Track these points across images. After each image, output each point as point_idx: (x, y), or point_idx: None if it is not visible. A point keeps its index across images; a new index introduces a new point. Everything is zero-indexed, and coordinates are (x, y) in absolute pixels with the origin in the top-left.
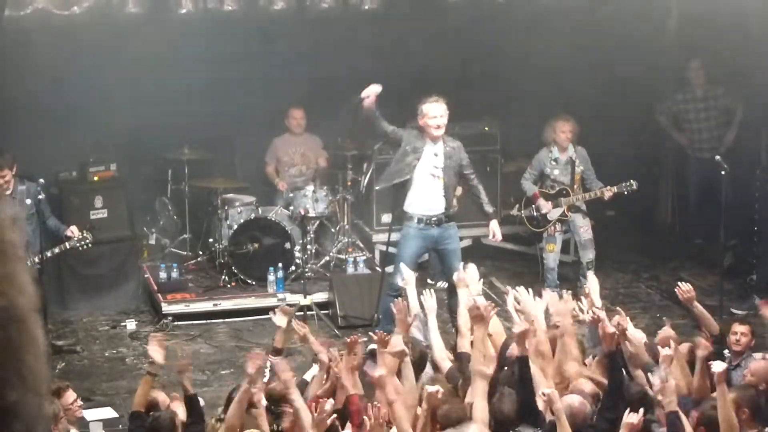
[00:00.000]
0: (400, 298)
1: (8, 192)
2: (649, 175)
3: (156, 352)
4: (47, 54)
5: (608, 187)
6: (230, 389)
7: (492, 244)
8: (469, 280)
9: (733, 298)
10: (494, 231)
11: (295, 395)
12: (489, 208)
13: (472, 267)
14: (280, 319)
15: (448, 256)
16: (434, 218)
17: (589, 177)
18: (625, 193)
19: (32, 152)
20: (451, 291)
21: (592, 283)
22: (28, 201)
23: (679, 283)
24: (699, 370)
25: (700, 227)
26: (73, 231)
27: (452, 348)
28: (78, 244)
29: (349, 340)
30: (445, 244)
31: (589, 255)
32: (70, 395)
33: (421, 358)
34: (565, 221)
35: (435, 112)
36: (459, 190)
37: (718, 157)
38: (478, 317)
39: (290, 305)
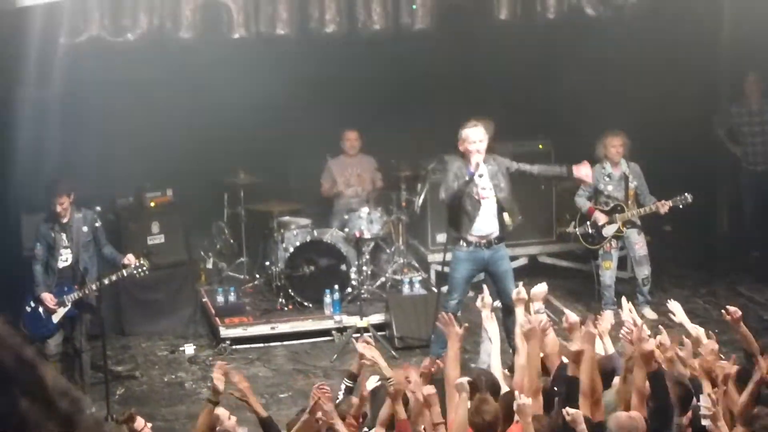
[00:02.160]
0: (445, 314)
1: (65, 220)
2: (705, 189)
3: (219, 380)
4: (102, 80)
5: (663, 201)
6: (289, 412)
7: (546, 262)
8: (535, 295)
9: None
10: (580, 169)
11: (338, 426)
12: (559, 168)
13: (542, 285)
14: (361, 348)
15: (502, 277)
16: (483, 240)
17: (642, 192)
18: (681, 206)
19: (89, 179)
20: (507, 311)
21: (675, 308)
22: (85, 229)
23: (727, 306)
24: (749, 393)
25: (757, 241)
26: (130, 259)
27: (509, 368)
28: (135, 271)
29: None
30: (497, 265)
31: (644, 271)
32: (140, 422)
33: (493, 386)
34: (620, 237)
35: (474, 136)
36: (518, 220)
37: None
38: (529, 333)
39: (343, 330)
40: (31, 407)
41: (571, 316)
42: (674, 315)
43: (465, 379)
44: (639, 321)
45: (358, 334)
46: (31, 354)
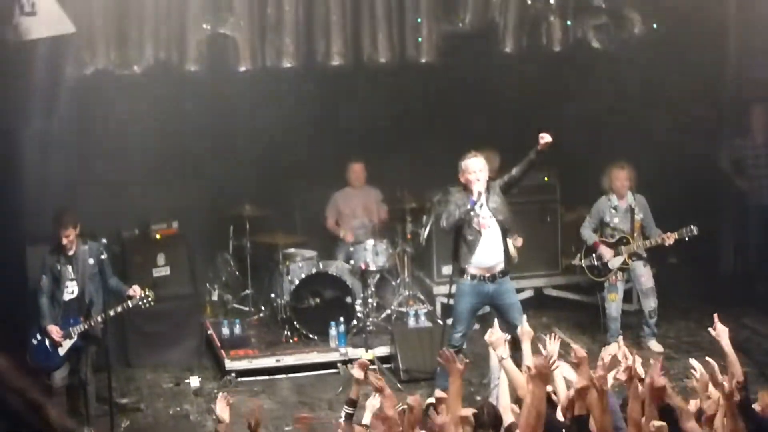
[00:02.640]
0: (446, 350)
1: (71, 252)
2: (710, 221)
3: (224, 410)
4: (107, 113)
5: (668, 234)
6: None
7: (552, 294)
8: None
9: None
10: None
11: None
12: (530, 156)
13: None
14: (358, 372)
15: (508, 310)
16: (488, 274)
17: (648, 225)
18: (686, 238)
19: (95, 211)
20: (515, 345)
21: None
22: (91, 261)
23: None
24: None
25: (762, 273)
26: (135, 290)
27: (516, 401)
28: (140, 303)
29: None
30: (503, 299)
31: (651, 303)
32: None
33: (495, 418)
34: (626, 270)
35: (474, 166)
36: (519, 241)
37: None
38: (537, 377)
39: (348, 362)
40: None
41: (579, 350)
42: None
43: (470, 412)
44: (629, 357)
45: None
46: (37, 395)
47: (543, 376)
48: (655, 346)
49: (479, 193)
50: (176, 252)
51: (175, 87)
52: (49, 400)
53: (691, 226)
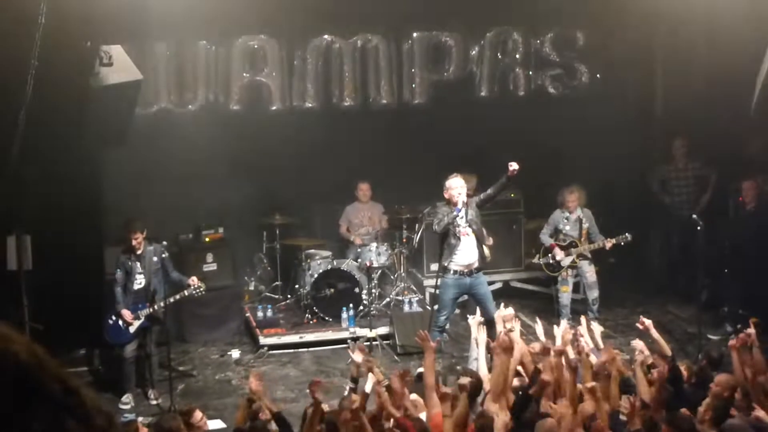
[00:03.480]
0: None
1: (139, 251)
2: (641, 229)
3: (257, 385)
4: (168, 142)
5: (608, 239)
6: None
7: (518, 286)
8: (504, 317)
9: (708, 326)
10: (511, 166)
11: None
12: (501, 181)
13: (509, 309)
14: (357, 356)
15: (482, 299)
16: (466, 270)
17: (593, 232)
18: (622, 243)
19: (158, 220)
20: (489, 326)
21: (595, 327)
22: (155, 259)
23: (641, 316)
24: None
25: (682, 270)
26: (194, 280)
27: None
28: (194, 292)
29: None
30: (478, 289)
31: (593, 294)
32: (198, 414)
33: (476, 387)
34: (575, 267)
35: (456, 184)
36: (490, 240)
37: (695, 216)
38: (498, 349)
39: (357, 339)
40: (76, 427)
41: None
42: (641, 325)
43: (467, 380)
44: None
45: (354, 342)
46: (74, 380)
47: (506, 350)
48: (596, 327)
49: (464, 203)
50: (221, 252)
51: (221, 122)
52: (83, 384)
53: (626, 234)
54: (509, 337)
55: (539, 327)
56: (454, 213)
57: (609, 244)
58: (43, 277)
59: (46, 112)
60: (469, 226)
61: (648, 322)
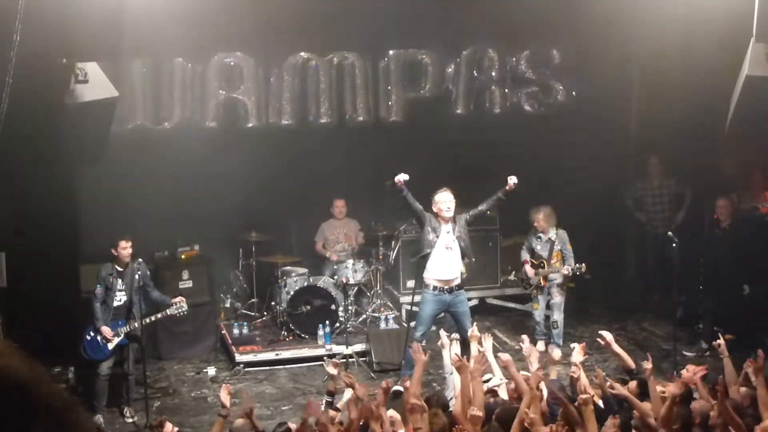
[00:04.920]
0: (417, 343)
1: (125, 266)
2: (617, 247)
3: (226, 398)
4: (143, 159)
5: (566, 267)
6: (279, 423)
7: (495, 303)
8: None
9: (684, 343)
10: (510, 180)
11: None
12: (498, 195)
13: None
14: (331, 369)
15: (460, 317)
16: (446, 286)
17: (566, 255)
18: (577, 273)
19: (134, 236)
20: (464, 345)
21: (555, 353)
22: (137, 276)
23: (601, 332)
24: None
25: (657, 287)
26: (180, 299)
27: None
28: (177, 311)
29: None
30: (457, 307)
31: (554, 316)
32: (169, 426)
33: (444, 404)
34: (541, 288)
35: (444, 199)
36: (473, 259)
37: (670, 233)
38: (461, 367)
39: (333, 356)
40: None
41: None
42: (602, 341)
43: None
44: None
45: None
46: (69, 397)
47: (459, 369)
48: (556, 353)
49: (453, 217)
50: (197, 269)
51: (197, 140)
52: (77, 402)
53: (580, 265)
54: (458, 357)
55: (525, 344)
56: (437, 233)
57: (565, 271)
58: (18, 295)
59: (21, 129)
60: (456, 241)
61: (609, 337)
